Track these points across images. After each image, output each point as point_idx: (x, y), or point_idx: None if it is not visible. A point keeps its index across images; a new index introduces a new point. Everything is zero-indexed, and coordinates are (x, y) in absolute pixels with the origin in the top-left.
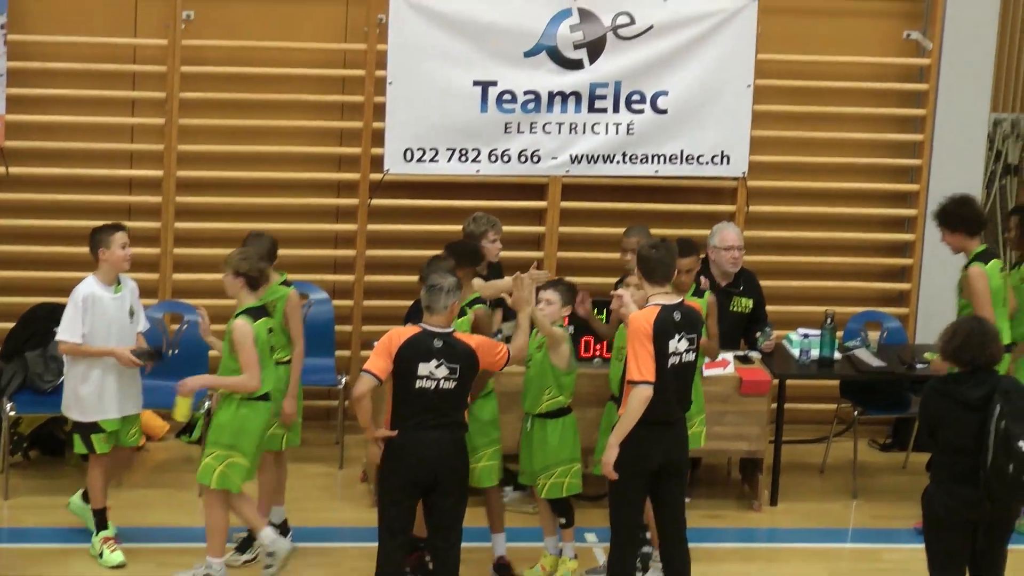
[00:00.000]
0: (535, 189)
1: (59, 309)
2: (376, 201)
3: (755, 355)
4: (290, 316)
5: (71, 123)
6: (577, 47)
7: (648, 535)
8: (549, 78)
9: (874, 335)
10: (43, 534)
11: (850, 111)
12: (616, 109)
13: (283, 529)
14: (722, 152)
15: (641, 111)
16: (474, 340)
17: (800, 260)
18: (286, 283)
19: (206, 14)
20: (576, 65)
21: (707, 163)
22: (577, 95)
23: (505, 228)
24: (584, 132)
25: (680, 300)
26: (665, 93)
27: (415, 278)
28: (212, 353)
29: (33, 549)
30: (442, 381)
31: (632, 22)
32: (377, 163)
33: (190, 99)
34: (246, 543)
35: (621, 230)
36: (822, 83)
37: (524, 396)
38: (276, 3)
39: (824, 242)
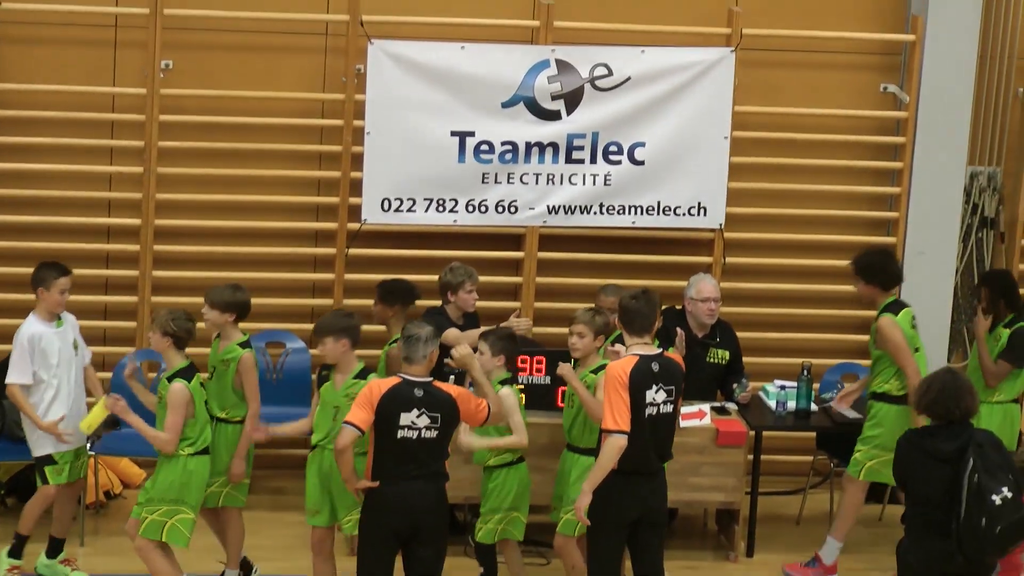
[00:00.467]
0: (512, 239)
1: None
2: (353, 251)
3: (732, 406)
4: (244, 377)
5: (50, 171)
6: (555, 98)
7: None
8: (527, 129)
9: (851, 388)
10: None
11: (827, 163)
12: (593, 160)
13: None
14: (699, 204)
15: (618, 162)
16: (454, 390)
17: (777, 312)
18: (246, 344)
19: (184, 64)
20: (553, 116)
21: (684, 214)
22: (554, 146)
23: (482, 278)
24: (561, 183)
25: (660, 352)
26: (642, 144)
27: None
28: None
29: None
30: (423, 430)
31: (609, 73)
32: (355, 213)
33: (168, 148)
34: None
35: (599, 281)
36: (800, 135)
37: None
38: (254, 53)
39: (801, 294)
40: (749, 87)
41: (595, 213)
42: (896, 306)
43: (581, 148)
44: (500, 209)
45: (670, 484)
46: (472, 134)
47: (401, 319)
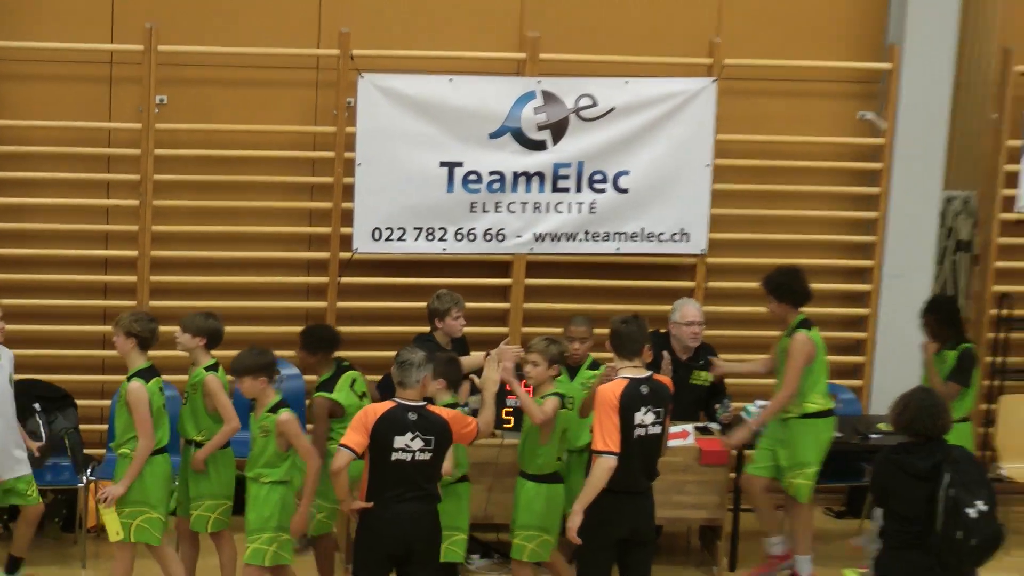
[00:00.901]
0: (500, 267)
1: (37, 385)
2: (345, 279)
3: (714, 426)
4: (214, 399)
5: (48, 204)
6: (541, 128)
7: None
8: (514, 159)
9: None
10: None
11: (807, 189)
12: (579, 189)
13: None
14: (682, 230)
15: (603, 190)
16: (447, 413)
17: (758, 335)
18: (213, 367)
19: (178, 99)
20: (540, 146)
21: (667, 240)
22: (541, 175)
23: (471, 304)
24: (548, 211)
25: (649, 375)
26: (627, 173)
27: (384, 353)
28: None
29: None
30: (417, 453)
31: (594, 104)
32: (346, 242)
33: (164, 181)
34: None
35: (585, 306)
36: (780, 162)
37: None
38: (247, 87)
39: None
40: (730, 116)
41: (581, 240)
42: (807, 323)
43: (567, 177)
44: (488, 237)
45: (655, 502)
46: (460, 164)
47: (325, 365)
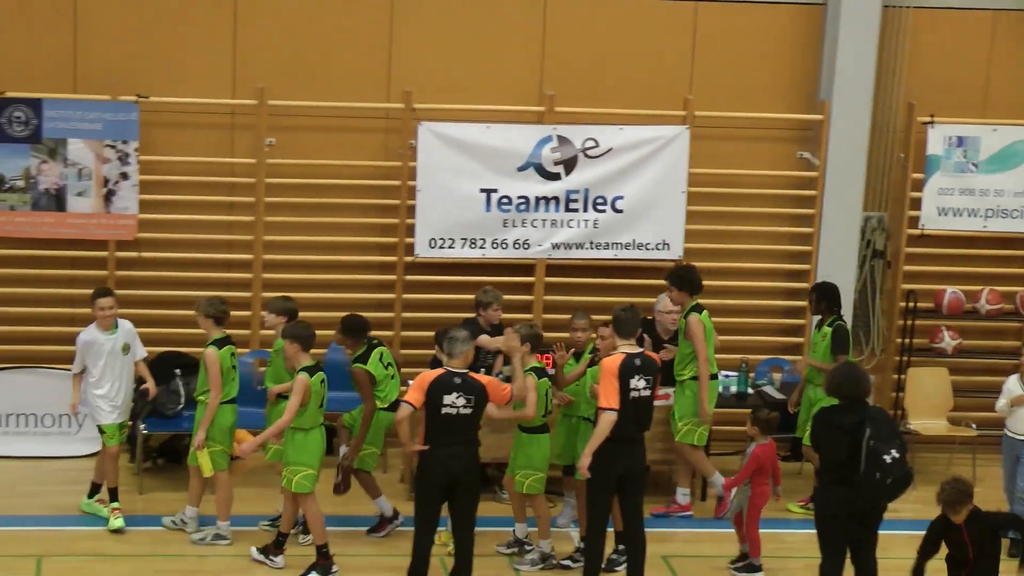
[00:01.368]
0: (526, 268)
1: (179, 357)
2: (408, 277)
3: None
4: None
5: (185, 220)
6: (556, 164)
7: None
8: (536, 186)
9: (777, 376)
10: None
11: (757, 211)
12: (586, 209)
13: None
14: (664, 241)
15: (604, 210)
16: (485, 379)
17: (722, 320)
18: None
19: (284, 140)
20: (555, 177)
21: (653, 249)
22: (556, 199)
23: (504, 297)
24: (562, 226)
25: (641, 351)
26: (622, 197)
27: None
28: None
29: (161, 532)
30: (461, 408)
31: (597, 145)
32: (409, 249)
33: (273, 202)
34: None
35: (592, 298)
36: (737, 190)
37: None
38: (335, 132)
39: (741, 308)
40: (700, 154)
41: (587, 248)
42: (699, 307)
43: (576, 200)
44: (517, 246)
45: (645, 448)
46: (495, 190)
47: (358, 344)
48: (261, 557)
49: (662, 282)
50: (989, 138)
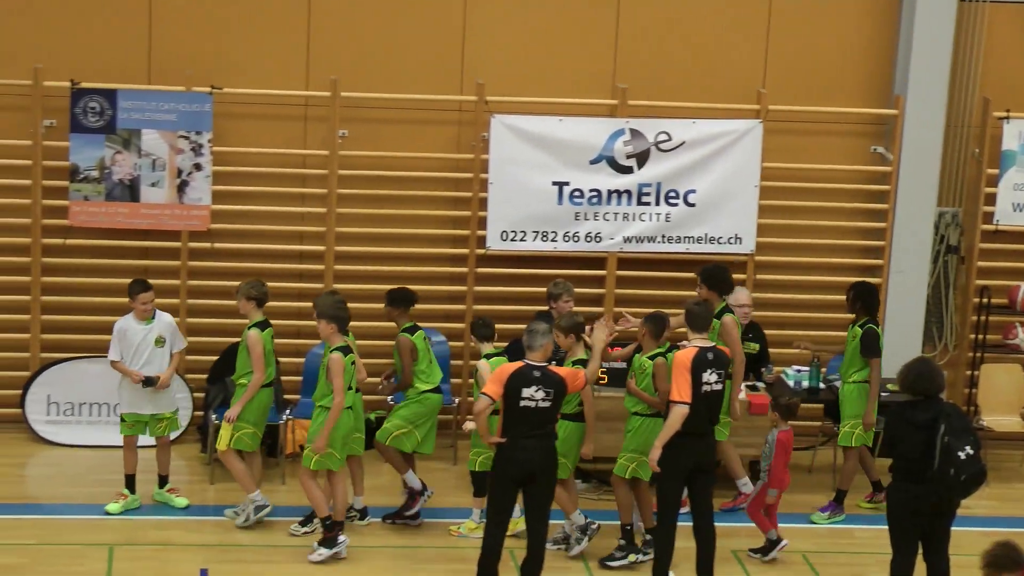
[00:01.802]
0: (597, 261)
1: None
2: (480, 270)
3: (760, 385)
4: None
5: (257, 211)
6: (629, 157)
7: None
8: (608, 180)
9: None
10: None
11: (831, 205)
12: (658, 203)
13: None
14: (736, 235)
15: (676, 204)
16: (562, 371)
17: (794, 315)
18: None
19: (356, 132)
20: (628, 170)
21: (725, 243)
22: (628, 192)
23: (575, 290)
24: (634, 220)
25: (713, 344)
26: (694, 191)
27: (512, 326)
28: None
29: (231, 522)
30: (540, 401)
31: (670, 139)
32: (481, 241)
33: (345, 194)
34: (308, 518)
35: (664, 293)
36: (810, 184)
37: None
38: (407, 124)
39: (813, 302)
40: (773, 148)
41: (659, 242)
42: (730, 309)
43: (648, 194)
44: (588, 239)
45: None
46: (567, 183)
47: (403, 317)
48: (324, 551)
49: (734, 276)
50: None
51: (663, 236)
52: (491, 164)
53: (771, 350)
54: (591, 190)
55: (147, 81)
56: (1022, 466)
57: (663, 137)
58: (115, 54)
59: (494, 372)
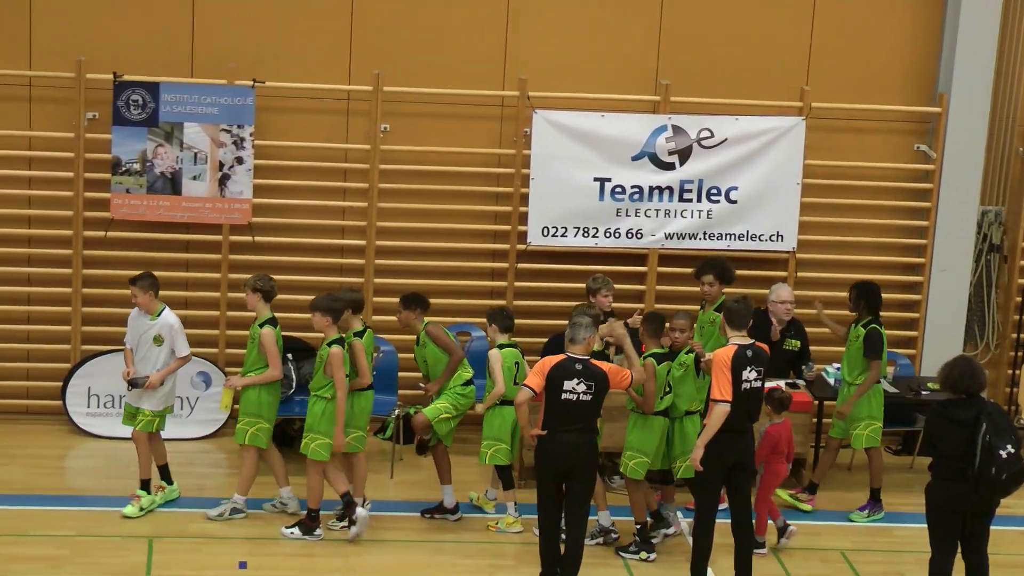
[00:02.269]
0: (638, 258)
1: (291, 342)
2: (521, 265)
3: (801, 382)
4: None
5: (298, 205)
6: (671, 154)
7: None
8: (649, 176)
9: (890, 369)
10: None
11: (874, 203)
12: (699, 200)
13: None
14: (778, 232)
15: (718, 201)
16: (606, 365)
17: (836, 313)
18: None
19: (398, 126)
20: (670, 167)
21: (767, 240)
22: (670, 189)
23: (616, 286)
24: (675, 216)
25: (752, 342)
26: (736, 188)
27: (552, 321)
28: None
29: (272, 516)
30: (581, 395)
31: (712, 136)
32: (522, 237)
33: (386, 189)
34: (344, 513)
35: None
36: (853, 182)
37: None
38: (449, 119)
39: None
40: (815, 146)
41: (700, 239)
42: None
43: (690, 191)
44: (630, 236)
45: (754, 439)
46: (609, 180)
47: (417, 320)
48: (298, 533)
49: (776, 273)
50: None
51: (704, 233)
52: (533, 159)
53: (812, 348)
54: (633, 186)
55: (189, 74)
56: None
57: (705, 134)
58: (158, 47)
59: (536, 365)
